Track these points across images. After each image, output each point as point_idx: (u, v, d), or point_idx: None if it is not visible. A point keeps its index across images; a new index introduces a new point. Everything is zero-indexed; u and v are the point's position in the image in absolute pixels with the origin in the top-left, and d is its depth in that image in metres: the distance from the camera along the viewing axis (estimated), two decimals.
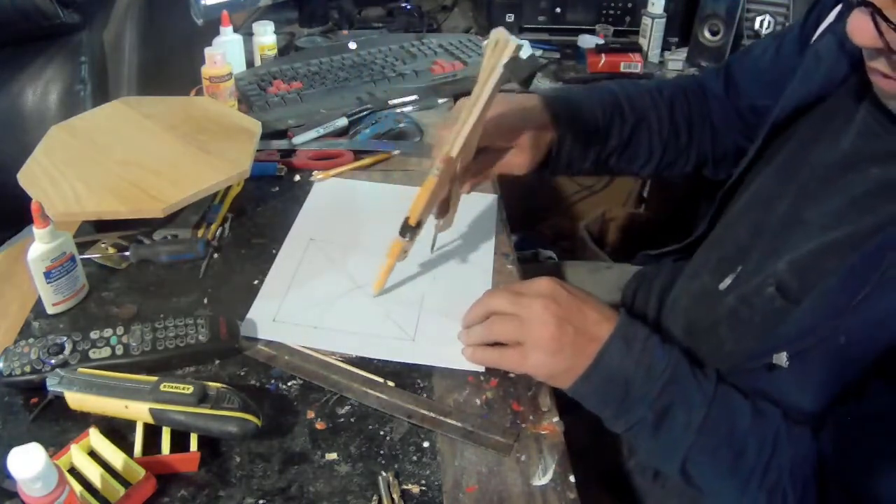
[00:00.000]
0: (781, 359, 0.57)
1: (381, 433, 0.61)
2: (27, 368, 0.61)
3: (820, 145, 0.65)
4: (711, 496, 0.62)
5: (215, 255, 0.80)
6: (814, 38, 0.72)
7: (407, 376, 0.66)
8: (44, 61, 1.34)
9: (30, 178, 0.79)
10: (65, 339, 0.64)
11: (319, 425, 0.61)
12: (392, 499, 0.55)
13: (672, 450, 0.60)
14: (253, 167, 0.83)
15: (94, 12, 1.37)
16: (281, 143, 1.01)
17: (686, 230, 0.92)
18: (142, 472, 0.54)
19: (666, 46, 1.46)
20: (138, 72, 1.42)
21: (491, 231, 0.86)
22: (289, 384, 0.65)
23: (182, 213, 0.81)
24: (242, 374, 0.66)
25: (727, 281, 0.68)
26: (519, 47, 0.64)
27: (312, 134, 1.02)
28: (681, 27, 1.46)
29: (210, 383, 0.60)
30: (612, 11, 1.50)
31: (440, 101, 1.16)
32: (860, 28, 0.50)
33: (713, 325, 0.68)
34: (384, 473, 0.57)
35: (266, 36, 1.26)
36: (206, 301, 0.74)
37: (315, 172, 0.96)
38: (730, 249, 0.72)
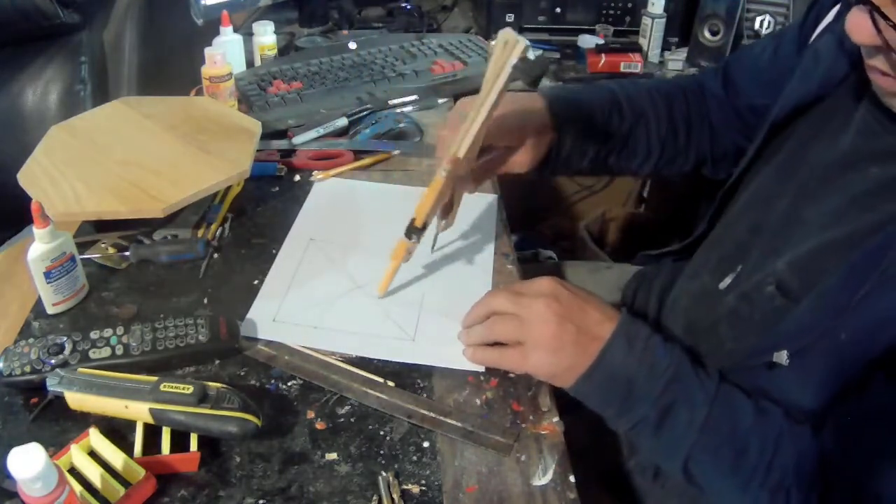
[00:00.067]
0: (782, 357, 0.57)
1: (381, 433, 0.61)
2: (27, 368, 0.61)
3: (819, 144, 0.65)
4: (713, 495, 0.62)
5: (215, 255, 0.80)
6: (813, 37, 0.72)
7: (407, 376, 0.66)
8: (44, 61, 1.34)
9: (30, 178, 0.79)
10: (65, 339, 0.64)
11: (319, 425, 0.61)
12: (392, 499, 0.55)
13: (674, 448, 0.60)
14: (253, 167, 0.83)
15: (94, 12, 1.37)
16: (281, 143, 1.01)
17: (686, 230, 0.92)
18: (142, 472, 0.54)
19: (666, 46, 1.46)
20: (138, 72, 1.42)
21: (491, 231, 0.86)
22: (289, 384, 0.65)
23: (182, 213, 0.81)
24: (242, 374, 0.66)
25: (727, 280, 0.68)
26: (527, 48, 0.64)
27: (312, 134, 1.02)
28: (681, 27, 1.46)
29: (210, 383, 0.60)
30: (612, 11, 1.49)
31: (440, 101, 1.16)
32: (859, 26, 0.50)
33: (713, 325, 0.68)
34: (384, 473, 0.57)
35: (266, 36, 1.26)
36: (206, 301, 0.74)
37: (315, 172, 0.96)
38: (730, 249, 0.72)
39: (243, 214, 0.88)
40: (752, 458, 0.57)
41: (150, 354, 0.64)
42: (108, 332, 0.65)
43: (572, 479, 0.58)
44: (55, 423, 0.60)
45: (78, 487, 0.53)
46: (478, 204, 0.90)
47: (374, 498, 0.55)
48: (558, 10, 1.50)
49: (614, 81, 0.89)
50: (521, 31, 1.53)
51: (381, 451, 0.59)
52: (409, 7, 1.55)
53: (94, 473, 0.55)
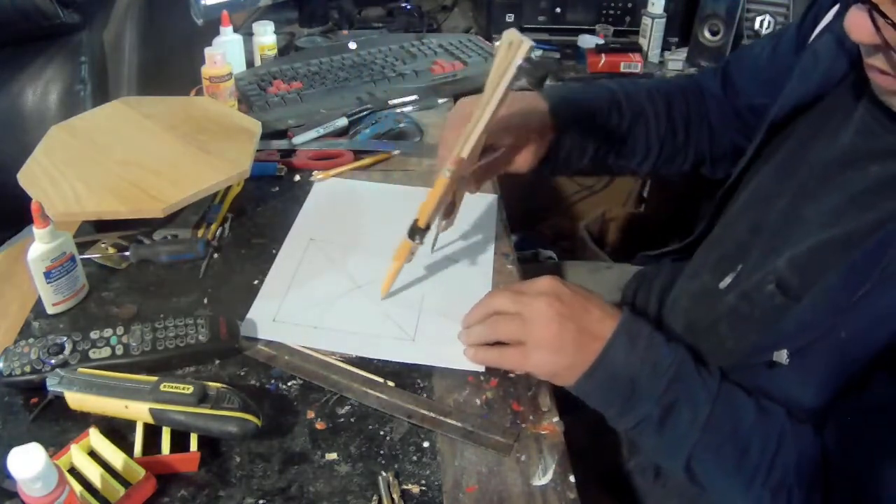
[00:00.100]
0: (782, 356, 0.57)
1: (381, 433, 0.61)
2: (27, 368, 0.61)
3: (819, 143, 0.65)
4: (716, 494, 0.62)
5: (215, 255, 0.80)
6: (812, 37, 0.72)
7: (407, 376, 0.66)
8: (44, 61, 1.34)
9: (30, 178, 0.79)
10: (65, 339, 0.64)
11: (319, 425, 0.61)
12: (392, 499, 0.55)
13: (677, 447, 0.60)
14: (253, 167, 0.83)
15: (94, 12, 1.37)
16: (281, 143, 1.01)
17: (686, 230, 0.92)
18: (142, 472, 0.54)
19: (666, 46, 1.46)
20: (138, 72, 1.42)
21: (491, 231, 0.86)
22: (289, 384, 0.65)
23: (182, 213, 0.81)
24: (242, 374, 0.66)
25: (727, 279, 0.68)
26: (532, 48, 0.64)
27: (312, 134, 1.02)
28: (681, 27, 1.46)
29: (210, 383, 0.60)
30: (612, 11, 1.49)
31: (440, 101, 1.16)
32: (858, 24, 0.50)
33: (713, 324, 0.68)
34: (384, 473, 0.57)
35: (266, 36, 1.26)
36: (206, 301, 0.74)
37: (315, 172, 0.96)
38: (730, 248, 0.72)
39: (243, 214, 0.88)
40: (755, 457, 0.57)
41: (150, 354, 0.64)
42: (108, 332, 0.65)
43: (572, 479, 0.58)
44: (55, 423, 0.60)
45: (78, 487, 0.53)
46: (478, 204, 0.90)
47: (374, 498, 0.55)
48: (558, 10, 1.50)
49: (614, 81, 0.89)
50: (521, 31, 1.52)
51: (381, 451, 0.59)
52: (409, 7, 1.55)
53: (94, 473, 0.55)
